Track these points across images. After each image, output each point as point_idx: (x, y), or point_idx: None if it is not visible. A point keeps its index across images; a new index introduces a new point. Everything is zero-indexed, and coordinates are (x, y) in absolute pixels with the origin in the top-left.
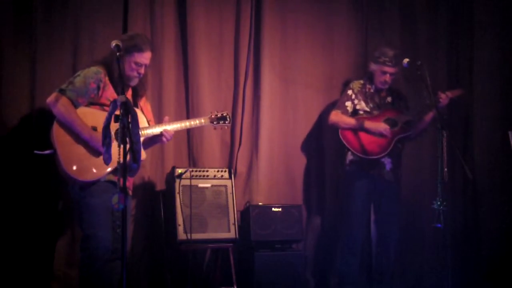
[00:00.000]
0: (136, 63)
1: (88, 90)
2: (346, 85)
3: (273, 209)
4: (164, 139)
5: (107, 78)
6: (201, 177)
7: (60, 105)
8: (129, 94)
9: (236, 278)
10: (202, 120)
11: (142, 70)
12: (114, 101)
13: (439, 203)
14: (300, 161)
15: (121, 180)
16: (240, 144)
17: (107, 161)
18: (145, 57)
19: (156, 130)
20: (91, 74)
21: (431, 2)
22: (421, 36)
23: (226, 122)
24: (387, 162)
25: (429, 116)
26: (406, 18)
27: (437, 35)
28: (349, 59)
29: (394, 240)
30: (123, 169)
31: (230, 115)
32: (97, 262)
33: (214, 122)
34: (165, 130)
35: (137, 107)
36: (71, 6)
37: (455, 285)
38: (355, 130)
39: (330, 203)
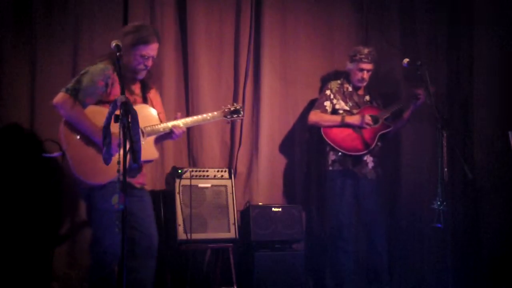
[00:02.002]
0: (142, 56)
1: (97, 88)
2: (323, 84)
3: (273, 209)
4: (173, 135)
5: (115, 74)
6: (201, 177)
7: (68, 107)
8: (137, 87)
9: (236, 278)
10: (216, 113)
11: (149, 63)
12: (114, 101)
13: (439, 203)
14: (300, 161)
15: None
16: (240, 144)
17: (107, 161)
18: (151, 49)
19: (168, 126)
20: (99, 72)
21: (431, 2)
22: (421, 36)
23: (240, 115)
24: (369, 161)
25: (407, 113)
26: (406, 18)
27: (437, 35)
28: None
29: (381, 239)
30: (123, 169)
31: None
32: (105, 269)
33: (228, 116)
34: (173, 126)
35: (147, 101)
36: (71, 6)
37: (456, 285)
38: (337, 127)
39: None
